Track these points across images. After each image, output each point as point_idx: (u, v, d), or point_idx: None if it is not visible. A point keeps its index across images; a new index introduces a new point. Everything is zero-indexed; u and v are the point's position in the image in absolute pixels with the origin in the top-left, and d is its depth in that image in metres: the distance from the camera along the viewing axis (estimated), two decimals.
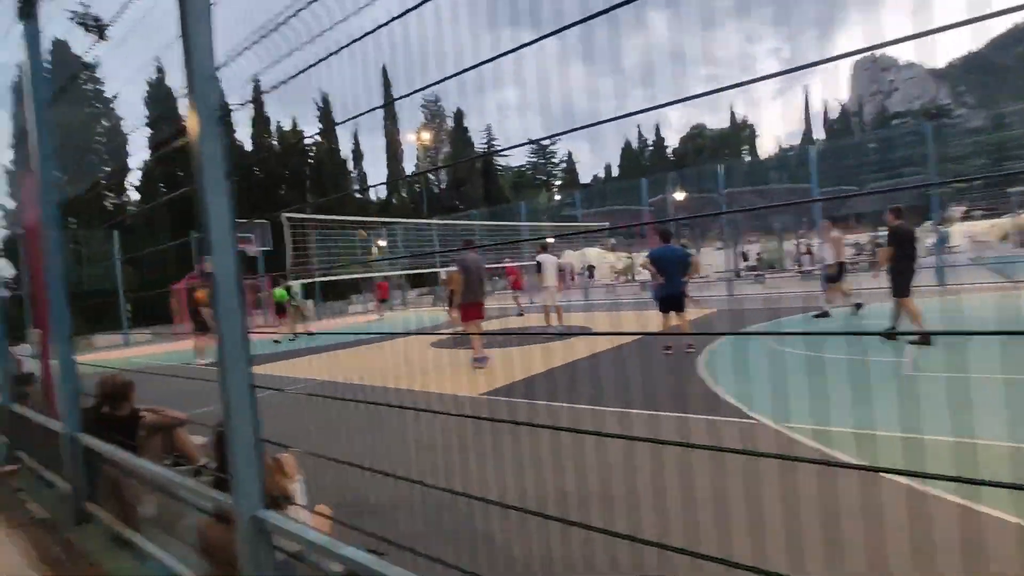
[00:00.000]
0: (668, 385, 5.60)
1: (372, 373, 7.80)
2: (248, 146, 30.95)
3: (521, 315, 14.54)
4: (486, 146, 47.69)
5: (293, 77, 2.09)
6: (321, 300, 22.91)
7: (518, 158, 54.99)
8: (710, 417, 4.32)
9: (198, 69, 1.81)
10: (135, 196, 32.50)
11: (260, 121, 32.06)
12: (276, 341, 12.74)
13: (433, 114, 42.61)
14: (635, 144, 62.07)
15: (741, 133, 64.52)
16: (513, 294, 18.84)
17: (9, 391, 4.90)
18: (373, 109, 1.84)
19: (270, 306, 22.01)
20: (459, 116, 42.56)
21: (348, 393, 6.42)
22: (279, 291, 13.68)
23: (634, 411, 4.69)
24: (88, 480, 3.33)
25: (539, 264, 10.71)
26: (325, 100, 33.06)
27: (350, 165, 38.14)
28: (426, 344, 10.91)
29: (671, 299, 7.18)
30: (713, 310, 11.90)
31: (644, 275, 25.48)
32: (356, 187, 34.97)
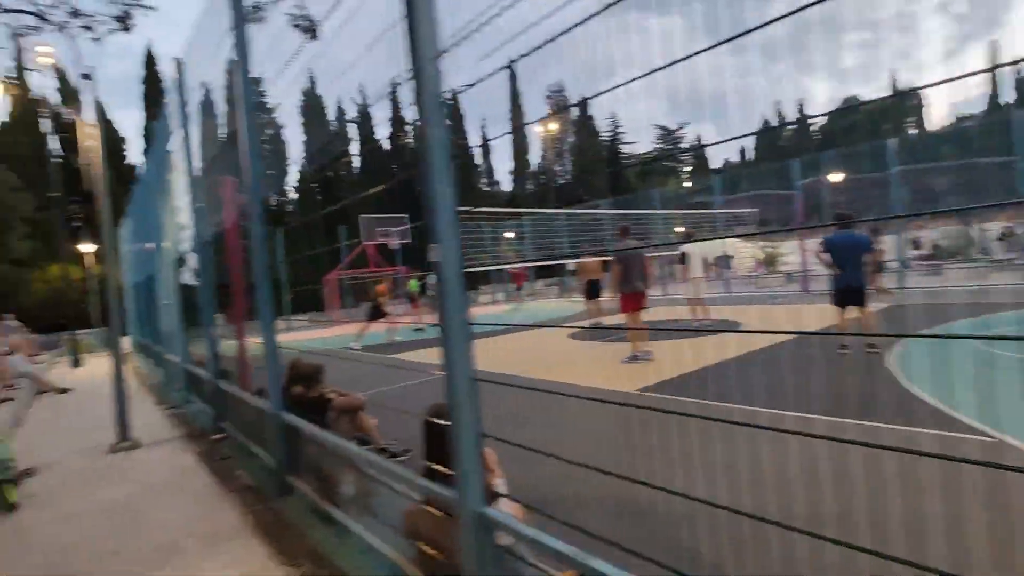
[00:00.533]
0: (862, 391, 4.91)
1: (515, 363, 7.83)
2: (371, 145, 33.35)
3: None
4: (611, 134, 46.66)
5: (491, 76, 1.97)
6: None
7: (644, 145, 53.08)
8: (939, 432, 3.67)
9: (423, 53, 1.75)
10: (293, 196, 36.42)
11: (397, 120, 34.26)
12: (419, 329, 13.36)
13: (558, 104, 42.52)
14: (774, 123, 57.01)
15: (906, 103, 56.47)
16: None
17: (215, 369, 5.53)
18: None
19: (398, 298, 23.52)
20: (584, 105, 42.12)
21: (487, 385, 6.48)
22: (413, 282, 14.44)
23: (830, 419, 4.15)
24: (289, 455, 3.61)
25: (683, 255, 10.12)
26: (454, 96, 34.28)
27: (478, 159, 39.54)
28: (562, 336, 10.81)
29: (850, 292, 6.34)
30: (887, 304, 10.47)
31: (789, 266, 23.28)
32: (485, 180, 36.01)
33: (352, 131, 34.58)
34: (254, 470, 4.16)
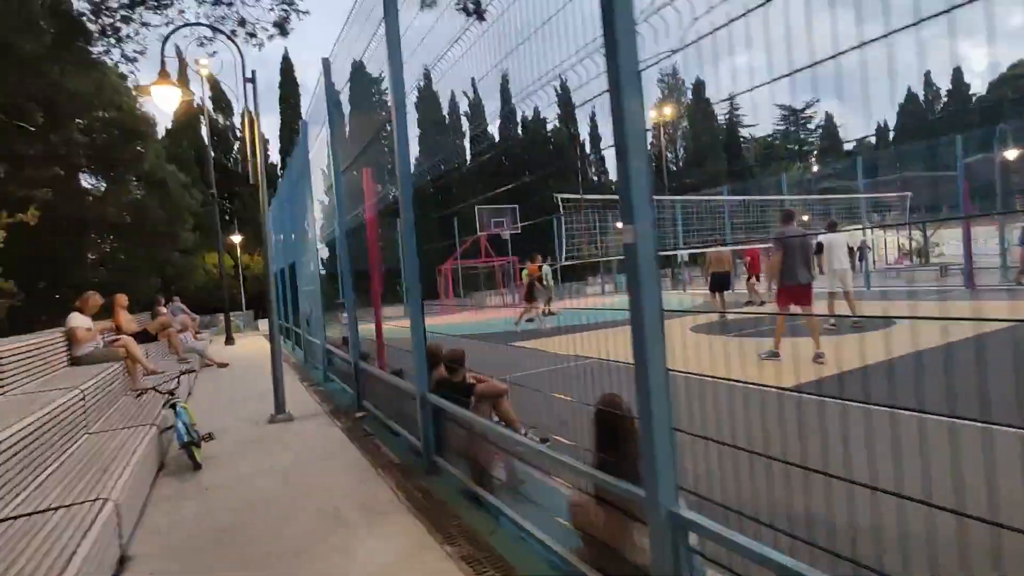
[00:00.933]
0: None
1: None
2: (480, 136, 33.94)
3: (762, 304, 12.74)
4: (727, 117, 43.85)
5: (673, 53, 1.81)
6: (559, 281, 23.65)
7: (764, 127, 49.23)
8: None
9: (619, 23, 1.64)
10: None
11: (506, 112, 34.73)
12: (528, 320, 13.41)
13: (671, 88, 40.72)
14: (922, 96, 50.27)
15: None
16: (750, 280, 16.99)
17: (356, 351, 5.88)
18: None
19: (520, 286, 23.76)
20: (699, 87, 39.86)
21: (615, 375, 6.30)
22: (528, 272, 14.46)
23: None
24: (436, 436, 3.71)
25: (819, 244, 9.23)
26: (563, 85, 34.07)
27: (587, 148, 38.93)
28: (683, 328, 10.33)
29: None
30: None
31: (945, 257, 20.48)
32: (592, 169, 35.47)
33: (462, 124, 35.58)
34: (398, 448, 4.36)
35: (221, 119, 29.28)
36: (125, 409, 4.99)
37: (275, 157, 32.28)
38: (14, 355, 4.43)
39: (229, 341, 15.32)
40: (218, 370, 10.04)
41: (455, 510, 3.13)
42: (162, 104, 5.76)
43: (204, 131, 26.71)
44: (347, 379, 7.09)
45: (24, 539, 2.38)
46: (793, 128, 51.07)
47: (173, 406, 4.46)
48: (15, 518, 2.60)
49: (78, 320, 5.82)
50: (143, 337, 8.06)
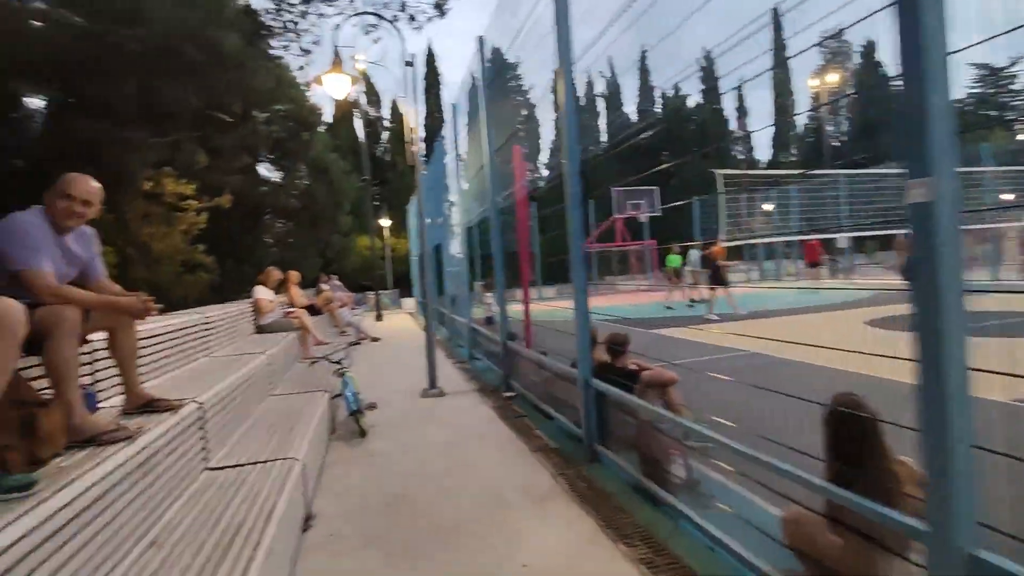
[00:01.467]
0: None
1: (810, 350, 6.73)
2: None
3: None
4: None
5: None
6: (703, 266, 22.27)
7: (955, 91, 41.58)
8: None
9: None
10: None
11: (645, 90, 33.34)
12: (669, 307, 12.69)
13: (834, 53, 36.15)
14: None
15: None
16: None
17: (505, 331, 5.88)
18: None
19: (655, 270, 22.81)
20: (870, 49, 34.83)
21: (788, 371, 5.62)
22: (673, 257, 13.68)
23: None
24: (599, 423, 3.51)
25: None
26: (708, 58, 31.85)
27: (732, 124, 36.15)
28: (856, 322, 9.09)
29: None
30: None
31: None
32: (741, 148, 32.84)
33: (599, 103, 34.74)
34: (553, 432, 4.23)
35: (372, 111, 31.62)
36: (300, 375, 5.44)
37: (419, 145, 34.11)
38: (220, 321, 5.00)
39: (378, 318, 16.51)
40: (371, 344, 10.79)
41: (623, 504, 2.91)
42: (333, 92, 6.16)
43: (358, 123, 29.14)
44: (491, 358, 7.18)
45: (231, 489, 2.58)
46: (990, 91, 43.02)
47: (342, 375, 4.74)
48: (222, 468, 2.85)
49: (262, 292, 6.47)
50: (310, 311, 8.84)
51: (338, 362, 5.06)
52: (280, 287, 7.56)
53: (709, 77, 29.16)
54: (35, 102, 7.59)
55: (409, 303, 22.44)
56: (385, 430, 4.66)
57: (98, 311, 2.31)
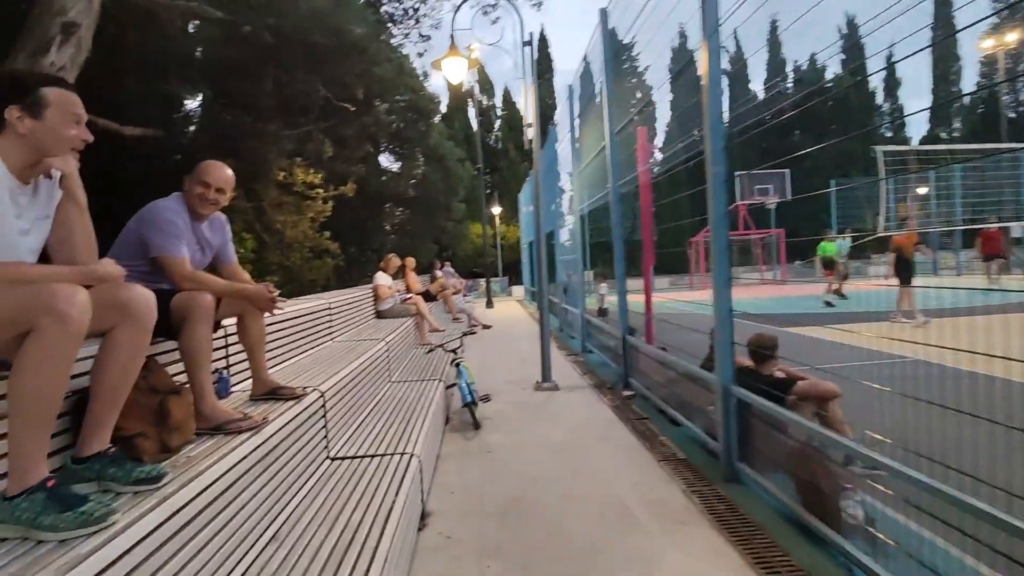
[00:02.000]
0: None
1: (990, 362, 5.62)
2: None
3: None
4: None
5: None
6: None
7: None
8: None
9: None
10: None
11: (775, 64, 30.52)
12: (828, 303, 11.36)
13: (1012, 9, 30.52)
14: None
15: None
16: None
17: (624, 324, 5.50)
18: None
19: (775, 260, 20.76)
20: None
21: (976, 385, 4.68)
22: (828, 245, 12.32)
23: None
24: (740, 437, 3.07)
25: None
26: (851, 24, 28.28)
27: (879, 99, 32.04)
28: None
29: None
30: None
31: None
32: (888, 122, 28.93)
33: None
34: (681, 441, 3.83)
35: (484, 100, 32.04)
36: (416, 362, 5.47)
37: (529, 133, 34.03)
38: (342, 306, 5.14)
39: (489, 305, 16.70)
40: (482, 331, 10.85)
41: (775, 537, 2.48)
42: (450, 76, 6.10)
43: (471, 112, 29.69)
44: (606, 351, 6.83)
45: (350, 482, 2.52)
46: None
47: (457, 364, 4.66)
48: (342, 459, 2.82)
49: (382, 279, 6.63)
50: (425, 297, 9.02)
51: (453, 350, 5.00)
52: (398, 273, 7.74)
53: (853, 47, 25.93)
54: (190, 103, 8.48)
55: (518, 291, 22.56)
56: (499, 423, 4.52)
57: (229, 298, 2.31)
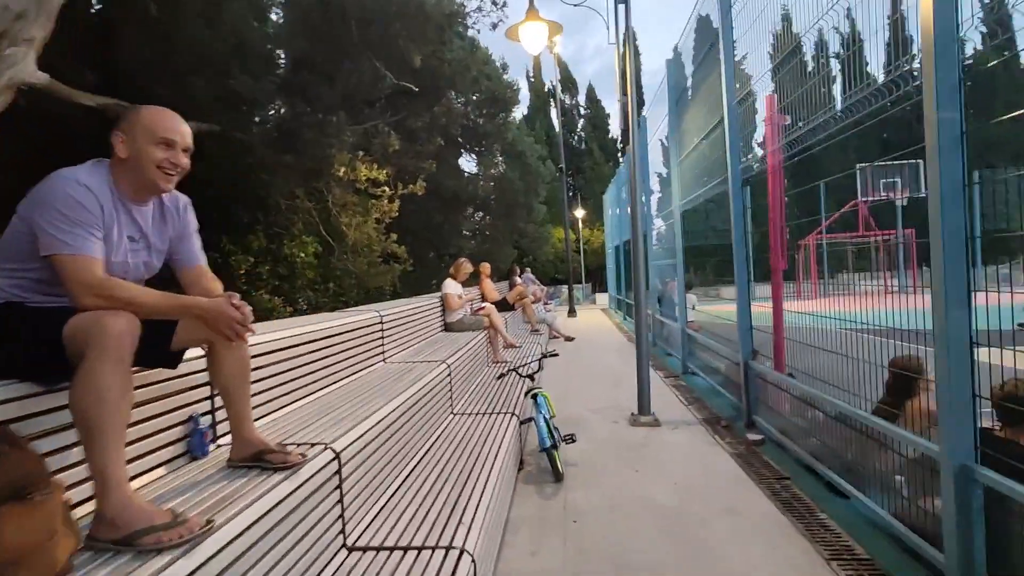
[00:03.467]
0: None
1: None
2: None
3: None
4: None
5: None
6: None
7: None
8: None
9: None
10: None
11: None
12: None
13: None
14: None
15: None
16: None
17: (748, 346, 4.33)
18: None
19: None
20: None
21: None
22: None
23: None
24: (992, 548, 1.89)
25: None
26: None
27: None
28: None
29: None
30: None
31: None
32: None
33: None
34: (854, 523, 2.66)
35: (567, 99, 31.00)
36: (486, 387, 4.59)
37: (615, 130, 32.54)
38: (398, 319, 4.37)
39: (571, 313, 15.66)
40: (565, 343, 9.85)
41: None
42: (529, 45, 5.20)
43: (553, 113, 28.78)
44: (713, 374, 5.64)
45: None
46: None
47: (535, 396, 3.71)
48: (366, 549, 1.95)
49: (452, 287, 5.84)
50: (502, 306, 8.16)
51: (530, 375, 4.07)
52: (471, 280, 6.95)
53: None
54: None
55: (603, 298, 21.28)
56: (587, 473, 3.53)
57: (175, 317, 1.51)
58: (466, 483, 2.53)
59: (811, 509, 2.86)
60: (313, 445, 1.95)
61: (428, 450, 3.00)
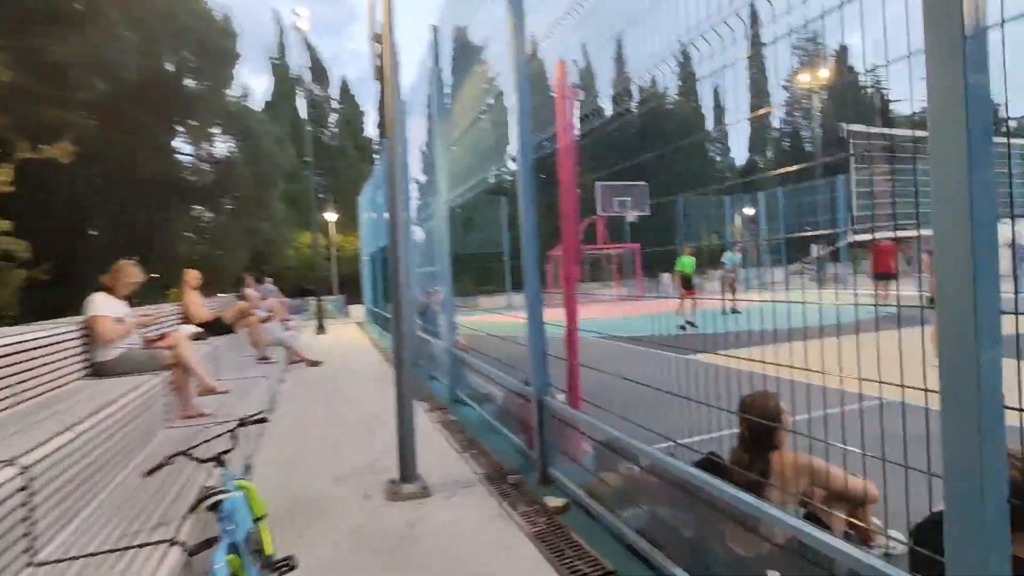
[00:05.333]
0: None
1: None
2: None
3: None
4: (872, 90, 37.56)
5: None
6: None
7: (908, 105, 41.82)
8: None
9: None
10: None
11: (621, 81, 31.07)
12: (681, 327, 10.18)
13: (810, 56, 35.33)
14: None
15: None
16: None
17: (540, 375, 3.37)
18: None
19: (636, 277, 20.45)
20: (842, 54, 34.13)
21: None
22: (686, 259, 11.34)
23: None
24: None
25: None
26: (685, 54, 30.11)
27: (709, 124, 34.75)
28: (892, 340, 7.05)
29: None
30: None
31: None
32: (717, 148, 31.17)
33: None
34: None
35: (318, 90, 28.10)
36: (131, 489, 2.66)
37: (371, 130, 30.72)
38: None
39: (321, 330, 13.58)
40: (307, 370, 8.02)
41: None
42: None
43: (300, 103, 25.76)
44: (485, 402, 4.70)
45: None
46: None
47: (216, 504, 2.04)
48: None
49: (103, 305, 3.69)
50: (216, 328, 6.03)
51: (216, 459, 2.35)
52: (159, 292, 4.76)
53: (687, 71, 27.43)
54: None
55: (358, 311, 19.41)
56: None
57: None
58: None
59: None
60: None
61: None
